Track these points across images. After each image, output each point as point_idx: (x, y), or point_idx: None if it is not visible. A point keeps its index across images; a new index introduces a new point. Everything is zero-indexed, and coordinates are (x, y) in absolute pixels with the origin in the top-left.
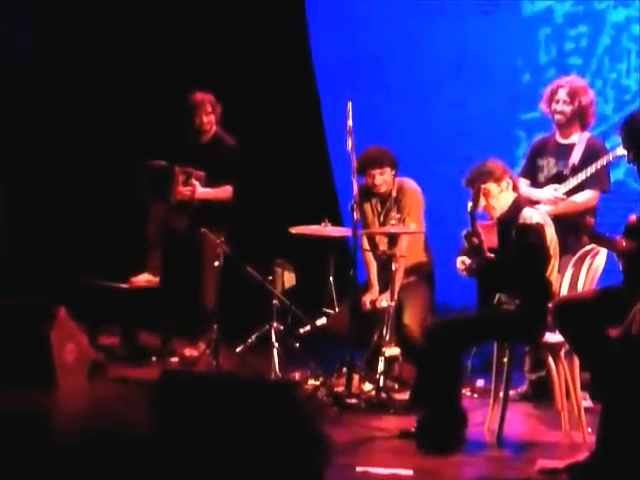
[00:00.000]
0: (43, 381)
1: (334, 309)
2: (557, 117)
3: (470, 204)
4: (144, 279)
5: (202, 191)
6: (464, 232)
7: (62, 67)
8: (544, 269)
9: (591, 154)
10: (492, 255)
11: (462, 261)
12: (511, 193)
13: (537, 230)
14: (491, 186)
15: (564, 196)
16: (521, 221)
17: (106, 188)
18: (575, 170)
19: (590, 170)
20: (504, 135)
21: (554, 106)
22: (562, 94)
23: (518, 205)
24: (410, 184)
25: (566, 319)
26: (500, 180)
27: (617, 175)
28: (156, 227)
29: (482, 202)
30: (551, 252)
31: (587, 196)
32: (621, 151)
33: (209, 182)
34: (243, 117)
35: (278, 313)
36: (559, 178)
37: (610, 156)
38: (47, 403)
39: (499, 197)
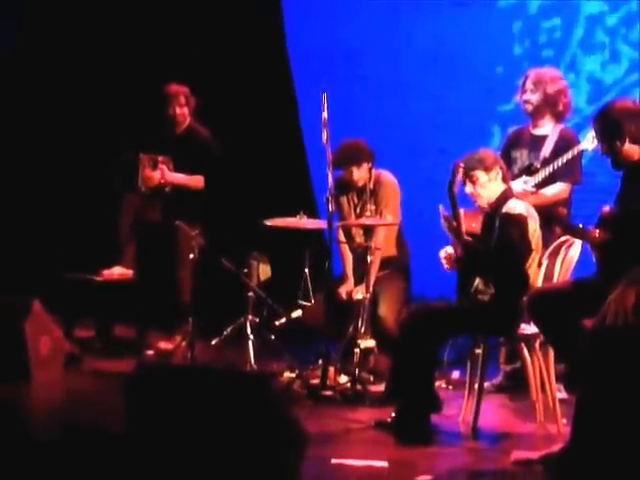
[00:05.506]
0: (17, 374)
1: (310, 301)
2: (525, 106)
3: (449, 181)
4: (117, 272)
5: (171, 175)
6: (441, 209)
7: (37, 59)
8: (522, 261)
9: (562, 146)
10: (470, 238)
11: (445, 250)
12: (500, 183)
13: (518, 221)
14: (479, 174)
15: (533, 189)
16: (504, 210)
17: (79, 180)
18: (546, 162)
19: (559, 162)
20: (480, 127)
21: (523, 96)
22: (529, 83)
23: (506, 196)
24: (387, 176)
25: (541, 310)
26: (490, 169)
27: (588, 167)
28: (129, 219)
29: (469, 188)
30: (532, 245)
31: (557, 188)
32: (585, 145)
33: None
34: (218, 109)
35: (253, 305)
36: (530, 171)
37: (575, 150)
38: (21, 396)
39: (487, 186)
